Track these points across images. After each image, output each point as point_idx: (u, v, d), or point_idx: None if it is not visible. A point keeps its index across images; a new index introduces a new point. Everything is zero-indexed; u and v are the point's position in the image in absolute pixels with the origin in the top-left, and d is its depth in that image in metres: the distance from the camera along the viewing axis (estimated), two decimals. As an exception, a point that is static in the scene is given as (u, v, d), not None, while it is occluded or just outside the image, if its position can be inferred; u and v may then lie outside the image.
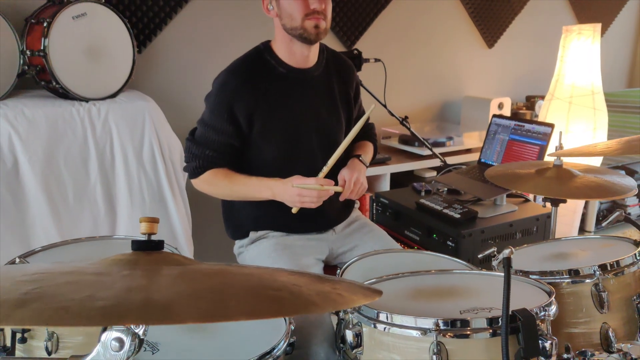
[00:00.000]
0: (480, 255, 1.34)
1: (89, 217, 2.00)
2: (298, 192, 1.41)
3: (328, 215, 1.65)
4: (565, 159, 1.52)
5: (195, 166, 1.55)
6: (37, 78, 1.95)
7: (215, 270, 0.64)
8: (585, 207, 3.19)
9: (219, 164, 1.54)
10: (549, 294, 0.95)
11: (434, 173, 2.95)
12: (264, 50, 1.56)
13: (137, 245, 0.69)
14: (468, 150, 2.99)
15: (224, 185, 1.54)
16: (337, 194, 1.49)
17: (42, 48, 1.85)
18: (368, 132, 1.79)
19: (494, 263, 1.23)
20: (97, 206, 2.01)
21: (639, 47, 4.22)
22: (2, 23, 1.85)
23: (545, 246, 1.31)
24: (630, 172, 3.36)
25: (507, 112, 3.15)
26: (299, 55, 1.54)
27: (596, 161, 2.87)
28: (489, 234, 1.86)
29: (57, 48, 1.88)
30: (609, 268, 1.06)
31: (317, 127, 1.59)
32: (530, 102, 3.41)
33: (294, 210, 1.47)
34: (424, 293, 1.02)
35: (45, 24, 1.86)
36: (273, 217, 1.61)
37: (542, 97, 3.44)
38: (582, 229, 3.33)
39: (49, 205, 1.89)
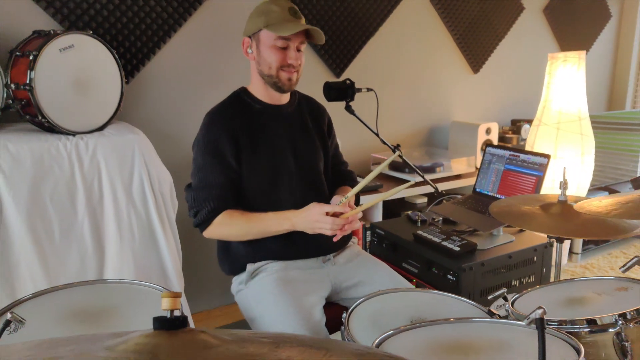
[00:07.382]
0: (490, 297, 1.31)
1: (76, 255, 1.92)
2: (316, 218, 1.45)
3: (322, 239, 1.60)
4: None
5: (208, 210, 1.55)
6: (21, 112, 1.88)
7: (249, 356, 0.59)
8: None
9: (230, 202, 1.57)
10: (577, 351, 0.91)
11: (425, 199, 2.95)
12: (241, 93, 1.69)
13: (159, 324, 0.64)
14: (458, 177, 2.99)
15: (241, 223, 1.55)
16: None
17: (27, 82, 1.77)
18: (349, 178, 1.88)
19: (508, 307, 1.20)
20: (84, 243, 1.93)
21: (617, 69, 4.33)
22: (-15, 55, 1.79)
23: (557, 289, 1.29)
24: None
25: (494, 137, 3.17)
26: (273, 95, 1.67)
27: (584, 187, 2.91)
28: (488, 266, 1.85)
29: (43, 81, 1.81)
30: (629, 317, 1.04)
31: (294, 154, 1.67)
32: (517, 126, 3.44)
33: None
34: (446, 348, 0.98)
35: (31, 57, 1.79)
36: (269, 245, 1.61)
37: (528, 121, 3.49)
38: (570, 251, 3.36)
39: (34, 244, 1.81)
